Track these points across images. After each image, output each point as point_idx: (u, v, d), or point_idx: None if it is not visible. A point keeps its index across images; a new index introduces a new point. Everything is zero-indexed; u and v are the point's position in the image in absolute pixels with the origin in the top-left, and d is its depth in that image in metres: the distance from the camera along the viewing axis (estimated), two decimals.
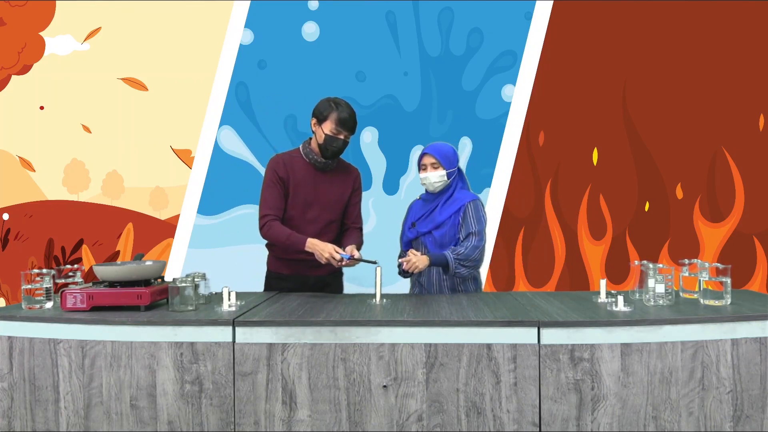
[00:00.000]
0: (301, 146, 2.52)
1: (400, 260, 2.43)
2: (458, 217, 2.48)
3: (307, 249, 2.32)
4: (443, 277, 2.49)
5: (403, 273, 2.48)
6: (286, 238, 2.38)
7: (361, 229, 2.61)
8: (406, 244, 2.59)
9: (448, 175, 2.51)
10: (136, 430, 1.89)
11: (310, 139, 2.51)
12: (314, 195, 2.47)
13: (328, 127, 2.40)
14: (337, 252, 2.28)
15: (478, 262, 2.46)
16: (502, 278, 3.69)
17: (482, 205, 2.55)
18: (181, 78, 3.72)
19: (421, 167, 2.53)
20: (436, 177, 2.49)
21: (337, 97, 2.48)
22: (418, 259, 2.38)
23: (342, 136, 2.41)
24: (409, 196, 3.63)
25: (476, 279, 2.57)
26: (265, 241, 2.59)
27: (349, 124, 2.41)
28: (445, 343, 1.85)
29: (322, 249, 2.30)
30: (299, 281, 2.52)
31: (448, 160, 2.50)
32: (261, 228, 2.46)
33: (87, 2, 3.73)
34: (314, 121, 2.46)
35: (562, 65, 3.65)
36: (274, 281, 2.56)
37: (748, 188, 3.59)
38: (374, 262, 2.23)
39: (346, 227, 2.59)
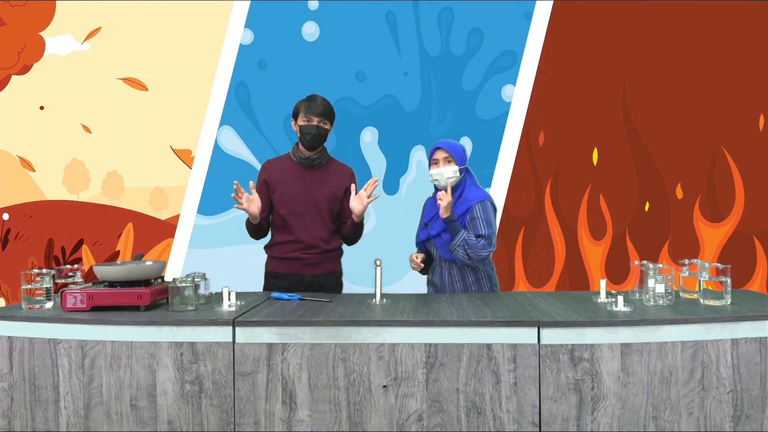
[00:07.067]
0: (291, 149, 2.64)
1: (438, 199, 2.38)
2: (467, 218, 2.42)
3: (251, 220, 2.51)
4: (456, 278, 2.48)
5: (421, 270, 2.55)
6: (246, 221, 2.56)
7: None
8: (420, 245, 2.59)
9: (460, 171, 2.45)
10: (136, 430, 1.89)
11: (298, 142, 2.62)
12: (302, 191, 2.54)
13: (301, 119, 2.53)
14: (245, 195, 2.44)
15: (477, 261, 2.39)
16: (502, 278, 3.68)
17: (492, 206, 2.48)
18: (181, 78, 3.72)
19: (433, 162, 2.46)
20: (450, 172, 2.42)
21: (317, 94, 2.57)
22: (445, 198, 2.36)
23: (315, 122, 2.50)
24: (409, 196, 3.65)
25: (491, 277, 2.52)
26: (264, 242, 2.68)
27: (317, 109, 2.49)
28: (445, 343, 1.85)
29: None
30: (295, 280, 2.58)
31: (459, 156, 2.46)
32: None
33: (87, 2, 3.73)
34: (293, 121, 2.60)
35: (562, 65, 3.65)
36: (272, 281, 2.63)
37: (748, 188, 3.59)
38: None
39: (343, 220, 2.62)
